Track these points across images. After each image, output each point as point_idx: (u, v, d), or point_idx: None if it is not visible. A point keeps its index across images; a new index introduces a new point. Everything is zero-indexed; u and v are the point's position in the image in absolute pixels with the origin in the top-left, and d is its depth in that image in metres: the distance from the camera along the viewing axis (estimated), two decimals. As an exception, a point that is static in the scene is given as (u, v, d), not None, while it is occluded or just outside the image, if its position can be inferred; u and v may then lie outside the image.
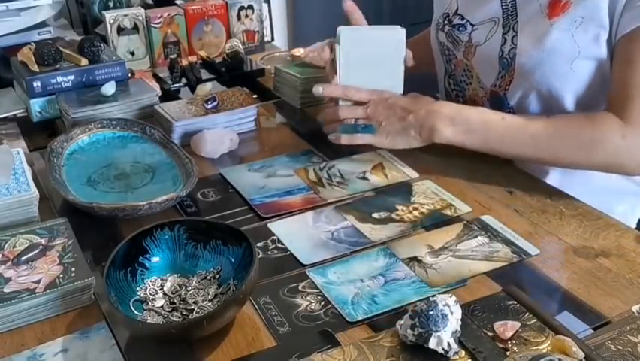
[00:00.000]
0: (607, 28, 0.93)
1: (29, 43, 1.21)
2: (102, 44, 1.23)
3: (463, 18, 1.07)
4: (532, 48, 0.98)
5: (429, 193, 0.97)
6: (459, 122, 0.98)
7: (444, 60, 1.16)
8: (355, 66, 1.04)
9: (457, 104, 1.02)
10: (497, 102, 1.05)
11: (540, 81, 0.99)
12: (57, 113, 1.18)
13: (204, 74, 1.39)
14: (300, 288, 0.78)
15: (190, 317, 0.72)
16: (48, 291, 0.74)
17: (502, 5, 1.02)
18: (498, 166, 1.02)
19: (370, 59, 1.04)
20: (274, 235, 0.88)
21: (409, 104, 1.01)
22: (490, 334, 0.69)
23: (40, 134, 1.17)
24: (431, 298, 0.68)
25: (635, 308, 0.73)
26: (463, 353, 0.67)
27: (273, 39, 1.72)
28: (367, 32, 1.07)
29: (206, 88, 1.33)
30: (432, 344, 0.66)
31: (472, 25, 1.06)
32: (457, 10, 1.09)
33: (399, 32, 1.04)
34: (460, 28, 1.08)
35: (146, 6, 1.56)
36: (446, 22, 1.11)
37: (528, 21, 0.99)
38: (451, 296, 0.69)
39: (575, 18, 0.94)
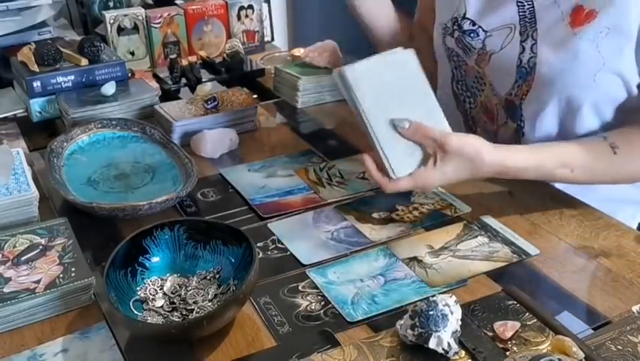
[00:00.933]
0: (633, 40, 0.89)
1: (29, 43, 1.21)
2: (102, 44, 1.23)
3: (474, 24, 1.02)
4: (555, 57, 0.93)
5: (429, 193, 0.97)
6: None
7: (452, 66, 1.11)
8: (379, 102, 0.85)
9: (511, 170, 0.89)
10: (512, 111, 1.02)
11: (560, 92, 0.95)
12: (57, 113, 1.18)
13: (204, 74, 1.39)
14: (300, 288, 0.78)
15: (190, 316, 0.72)
16: (48, 291, 0.74)
17: (519, 12, 0.97)
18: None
19: (390, 89, 0.86)
20: (274, 235, 0.88)
21: (461, 180, 0.89)
22: (490, 334, 0.69)
23: (40, 134, 1.17)
24: (431, 298, 0.68)
25: (635, 308, 0.73)
26: (463, 353, 0.67)
27: (273, 39, 1.72)
28: (371, 61, 0.86)
29: (206, 88, 1.33)
30: (432, 344, 0.66)
31: (486, 31, 1.01)
32: (464, 14, 1.03)
33: (405, 53, 0.88)
34: (472, 35, 1.02)
35: (146, 6, 1.56)
36: (455, 27, 1.05)
37: (549, 29, 0.94)
38: (451, 296, 0.69)
39: (601, 28, 0.89)
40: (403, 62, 0.87)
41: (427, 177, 0.86)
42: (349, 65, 0.84)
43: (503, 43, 0.99)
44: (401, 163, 0.86)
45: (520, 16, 0.97)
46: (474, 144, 0.86)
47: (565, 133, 0.98)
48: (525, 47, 0.97)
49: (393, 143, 0.85)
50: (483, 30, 1.01)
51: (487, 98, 1.06)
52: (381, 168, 0.86)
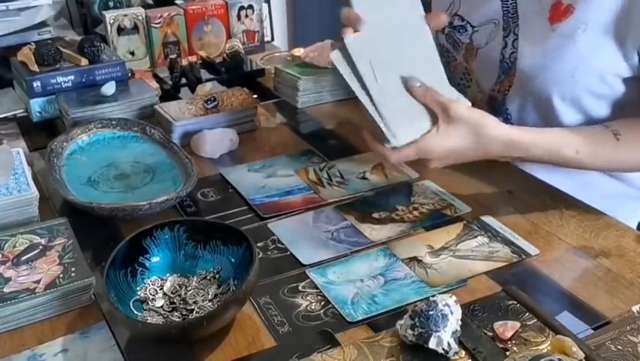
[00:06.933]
0: (610, 35, 0.89)
1: (29, 43, 1.21)
2: (102, 44, 1.23)
3: (462, 19, 1.05)
4: (534, 53, 0.95)
5: (429, 193, 0.97)
6: (529, 160, 0.92)
7: (442, 63, 1.13)
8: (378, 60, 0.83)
9: (520, 144, 0.86)
10: (495, 107, 1.03)
11: (541, 87, 0.96)
12: (57, 113, 1.18)
13: (204, 74, 1.39)
14: (300, 288, 0.78)
15: (190, 317, 0.72)
16: (48, 291, 0.74)
17: (502, 6, 0.99)
18: (498, 166, 1.02)
19: (391, 28, 0.85)
20: (274, 235, 0.88)
21: (469, 158, 0.87)
22: (490, 334, 0.69)
23: (40, 134, 1.17)
24: (431, 298, 0.68)
25: (635, 308, 0.73)
26: (463, 353, 0.67)
27: (273, 39, 1.72)
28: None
29: (206, 88, 1.33)
30: (432, 344, 0.66)
31: (473, 26, 1.03)
32: (457, 11, 1.06)
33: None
34: (461, 30, 1.05)
35: (146, 6, 1.56)
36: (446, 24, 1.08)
37: (529, 24, 0.96)
38: (451, 296, 0.69)
39: (578, 24, 0.90)
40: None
41: (430, 145, 0.83)
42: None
43: (488, 38, 1.01)
44: (402, 129, 0.83)
45: (503, 11, 0.99)
46: (480, 114, 0.85)
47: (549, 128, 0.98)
48: (507, 42, 0.98)
49: (394, 108, 0.83)
50: (471, 25, 1.03)
51: (473, 95, 1.07)
52: (381, 140, 0.84)
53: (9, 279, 0.76)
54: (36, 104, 1.17)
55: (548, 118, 0.98)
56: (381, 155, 0.85)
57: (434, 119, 0.84)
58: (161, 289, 0.76)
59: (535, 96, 0.97)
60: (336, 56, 0.83)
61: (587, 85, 0.94)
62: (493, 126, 0.85)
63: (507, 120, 1.03)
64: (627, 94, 0.95)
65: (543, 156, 0.88)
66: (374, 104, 0.82)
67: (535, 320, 0.71)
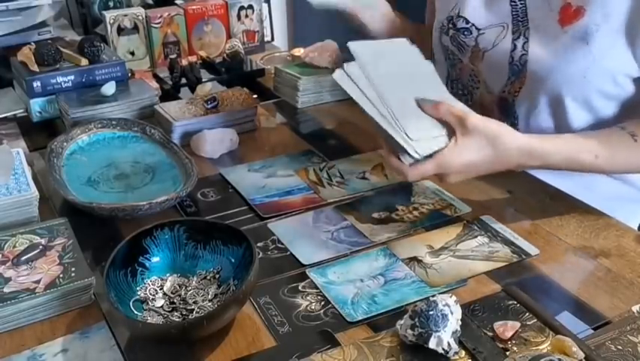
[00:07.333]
0: (624, 36, 0.89)
1: (29, 43, 1.21)
2: (102, 44, 1.23)
3: (467, 22, 1.04)
4: (545, 55, 0.94)
5: (429, 193, 0.97)
6: (546, 168, 0.90)
7: (447, 65, 1.12)
8: (390, 82, 0.84)
9: (539, 152, 0.85)
10: (505, 108, 1.03)
11: (552, 89, 0.95)
12: (57, 113, 1.18)
13: (204, 74, 1.39)
14: (300, 288, 0.78)
15: (190, 317, 0.72)
16: (48, 291, 0.74)
17: (512, 11, 0.98)
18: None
19: (397, 69, 0.87)
20: (274, 235, 0.88)
21: (488, 170, 0.86)
22: (490, 334, 0.69)
23: (40, 134, 1.17)
24: (431, 298, 0.68)
25: (635, 308, 0.73)
26: (463, 353, 0.67)
27: (273, 39, 1.72)
28: (375, 46, 0.90)
29: (206, 88, 1.33)
30: (432, 344, 0.66)
31: (478, 29, 1.02)
32: (459, 12, 1.05)
33: (404, 41, 0.92)
34: (465, 33, 1.04)
35: (146, 6, 1.56)
36: (450, 25, 1.07)
37: (540, 27, 0.95)
38: (451, 296, 0.69)
39: (591, 25, 0.90)
40: (402, 45, 0.91)
41: (448, 159, 0.82)
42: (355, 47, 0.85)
43: (495, 40, 1.01)
44: (421, 142, 0.82)
45: (512, 15, 0.98)
46: (495, 124, 0.84)
47: (559, 129, 0.99)
48: (517, 45, 0.98)
49: (410, 122, 0.82)
50: (476, 28, 1.03)
51: (482, 97, 1.07)
52: (397, 155, 0.83)
53: (9, 279, 0.76)
54: (36, 104, 1.17)
55: (559, 119, 0.98)
56: (399, 172, 0.84)
57: (450, 133, 0.83)
58: (161, 289, 0.76)
59: (546, 97, 0.97)
60: (339, 76, 0.83)
61: (599, 86, 0.93)
62: (508, 136, 0.84)
63: (513, 125, 1.02)
64: (638, 94, 0.95)
65: (561, 163, 0.87)
66: (392, 118, 0.82)
67: (535, 320, 0.71)
